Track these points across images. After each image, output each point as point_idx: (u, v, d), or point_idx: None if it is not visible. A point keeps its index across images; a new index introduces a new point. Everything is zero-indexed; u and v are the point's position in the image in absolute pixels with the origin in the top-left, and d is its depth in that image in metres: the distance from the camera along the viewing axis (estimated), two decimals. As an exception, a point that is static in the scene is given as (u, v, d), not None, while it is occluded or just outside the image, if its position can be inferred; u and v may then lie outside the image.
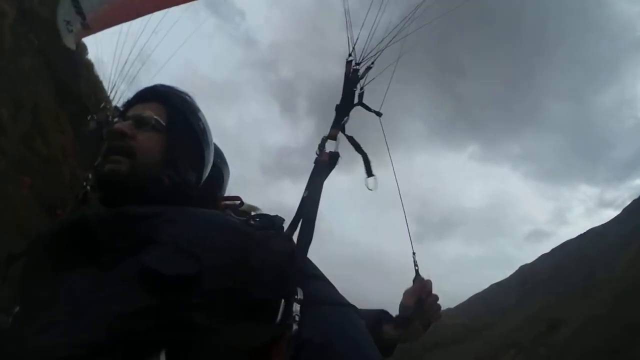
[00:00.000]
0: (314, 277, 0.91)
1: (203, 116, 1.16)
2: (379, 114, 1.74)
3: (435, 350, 41.84)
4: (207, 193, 1.31)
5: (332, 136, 1.47)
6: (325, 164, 1.35)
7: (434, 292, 1.42)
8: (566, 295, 28.88)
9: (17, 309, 0.91)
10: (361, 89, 1.70)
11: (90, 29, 2.73)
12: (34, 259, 0.93)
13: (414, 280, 1.46)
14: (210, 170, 1.20)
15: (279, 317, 0.79)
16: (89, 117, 2.28)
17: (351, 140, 1.52)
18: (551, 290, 34.22)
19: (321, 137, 1.47)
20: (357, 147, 1.53)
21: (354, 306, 0.89)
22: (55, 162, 10.02)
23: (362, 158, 1.53)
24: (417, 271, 1.49)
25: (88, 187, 1.79)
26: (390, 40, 1.78)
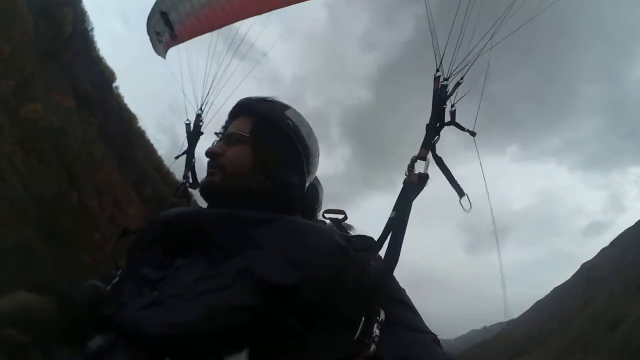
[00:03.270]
0: (399, 302, 0.93)
1: (293, 112, 1.15)
2: (473, 134, 1.69)
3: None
4: (307, 204, 1.37)
5: (421, 157, 1.44)
6: (414, 185, 1.33)
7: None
8: (625, 290, 27.59)
9: (117, 279, 1.01)
10: (452, 106, 1.64)
11: (177, 40, 3.04)
12: (146, 239, 1.01)
13: None
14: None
15: (357, 334, 0.81)
16: (184, 121, 2.47)
17: (439, 162, 1.49)
18: (613, 287, 32.42)
19: (411, 159, 1.43)
20: (445, 170, 1.50)
21: (434, 334, 0.90)
22: (134, 232, 11.35)
23: (448, 180, 1.50)
24: None
25: (187, 184, 2.12)
26: (480, 51, 1.70)
